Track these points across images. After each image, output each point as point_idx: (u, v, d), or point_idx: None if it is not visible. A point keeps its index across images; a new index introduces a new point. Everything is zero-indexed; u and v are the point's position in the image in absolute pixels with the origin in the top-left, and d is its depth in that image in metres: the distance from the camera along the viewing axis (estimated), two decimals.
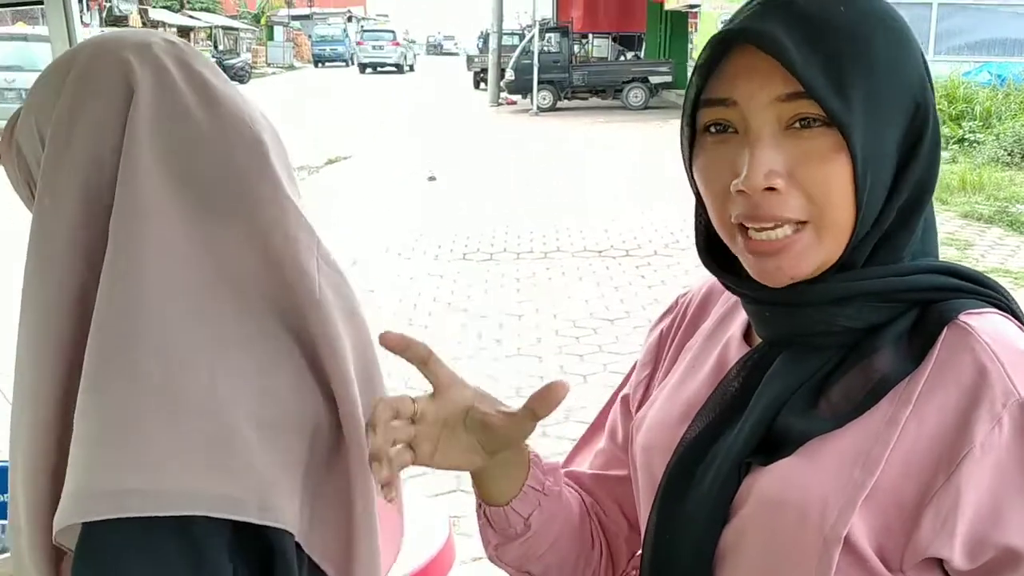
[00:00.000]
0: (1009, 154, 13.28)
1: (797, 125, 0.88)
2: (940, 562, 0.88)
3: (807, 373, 0.93)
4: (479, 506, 1.10)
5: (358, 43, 49.07)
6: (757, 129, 0.89)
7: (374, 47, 47.49)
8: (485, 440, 0.99)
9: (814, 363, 0.94)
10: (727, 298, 1.12)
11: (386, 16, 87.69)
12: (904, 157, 0.91)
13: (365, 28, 50.29)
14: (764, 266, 0.91)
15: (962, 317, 0.90)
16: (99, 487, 0.89)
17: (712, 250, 1.01)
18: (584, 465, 1.24)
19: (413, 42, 61.74)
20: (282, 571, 0.97)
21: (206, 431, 0.92)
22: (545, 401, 0.92)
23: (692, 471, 0.98)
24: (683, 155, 0.98)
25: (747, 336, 1.05)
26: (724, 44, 0.90)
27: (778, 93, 0.87)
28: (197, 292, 0.96)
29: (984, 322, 0.90)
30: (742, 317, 1.06)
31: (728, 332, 1.08)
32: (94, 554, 0.91)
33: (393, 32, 49.63)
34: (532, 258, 8.92)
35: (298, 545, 0.98)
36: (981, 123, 14.78)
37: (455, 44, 74.61)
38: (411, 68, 49.08)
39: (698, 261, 1.07)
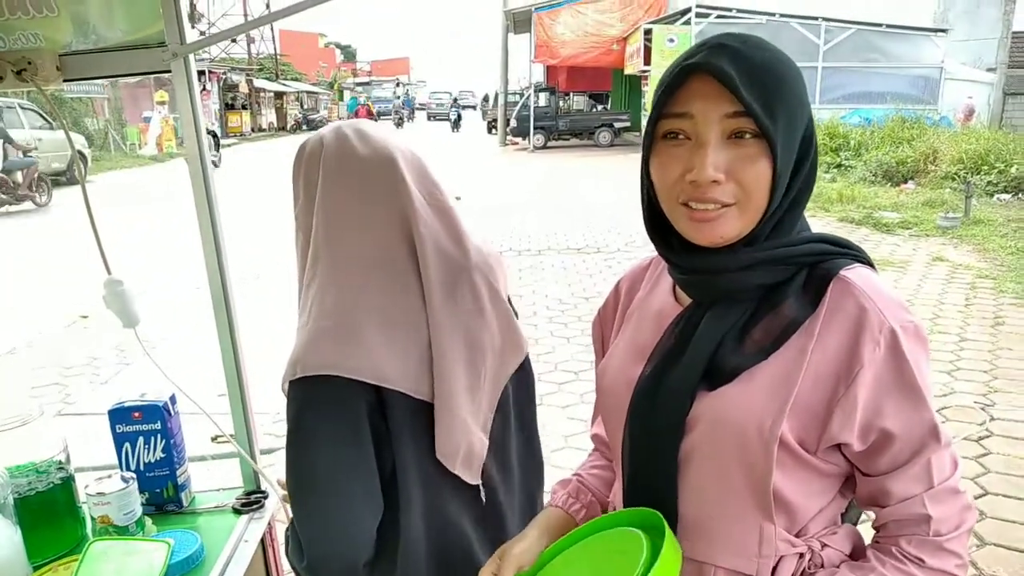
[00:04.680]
0: (874, 175, 13.22)
1: (735, 136, 0.89)
2: (839, 446, 0.93)
3: (731, 320, 0.95)
4: None
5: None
6: (707, 137, 0.89)
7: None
8: None
9: (735, 313, 0.95)
10: (651, 274, 1.15)
11: (424, 82, 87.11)
12: (798, 162, 0.92)
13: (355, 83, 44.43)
14: (702, 229, 0.92)
15: (842, 272, 0.93)
16: (291, 363, 1.15)
17: (655, 231, 1.01)
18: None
19: (413, 99, 56.12)
20: (393, 414, 1.17)
21: (348, 330, 1.14)
22: None
23: (650, 399, 0.99)
24: (643, 155, 0.98)
25: (676, 297, 1.06)
26: (685, 72, 0.90)
27: (725, 111, 0.88)
28: (354, 240, 1.19)
29: (857, 275, 0.93)
30: (667, 285, 1.08)
31: (659, 296, 1.10)
32: (288, 400, 1.16)
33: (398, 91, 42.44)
34: (529, 254, 8.88)
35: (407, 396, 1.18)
36: (853, 153, 14.68)
37: (471, 96, 71.33)
38: (411, 119, 43.50)
39: (647, 257, 1.12)
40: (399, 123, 38.54)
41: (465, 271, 1.24)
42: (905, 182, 12.81)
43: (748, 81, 0.86)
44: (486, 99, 46.70)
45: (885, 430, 0.90)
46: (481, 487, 1.29)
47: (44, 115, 16.28)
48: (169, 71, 1.53)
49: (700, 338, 0.95)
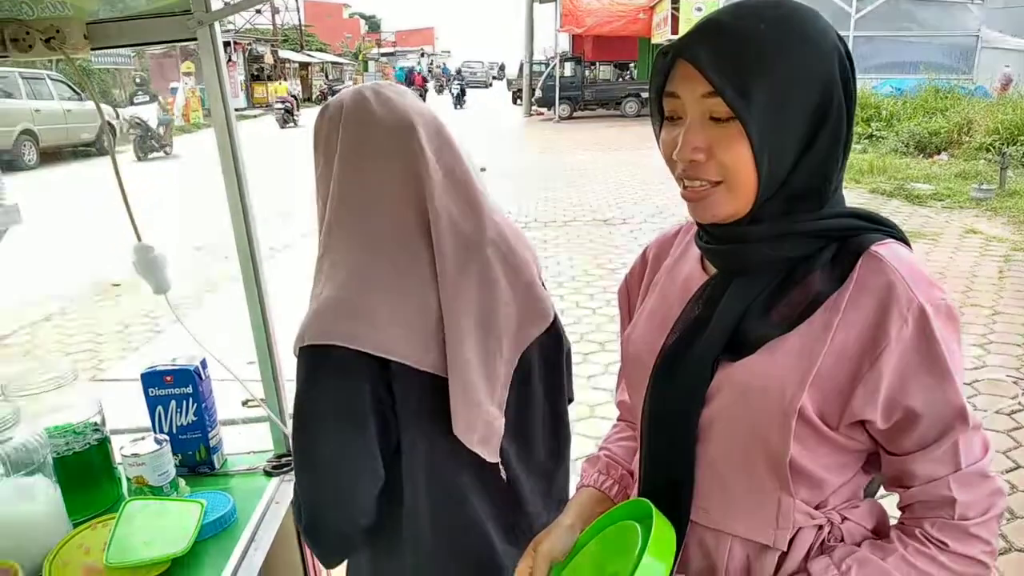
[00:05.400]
0: (905, 146, 12.96)
1: (716, 116, 0.88)
2: (863, 423, 0.91)
3: (757, 291, 0.94)
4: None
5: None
6: (689, 117, 0.90)
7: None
8: None
9: (761, 284, 0.94)
10: (679, 243, 1.13)
11: (449, 52, 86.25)
12: (807, 141, 0.89)
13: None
14: (694, 206, 0.94)
15: (873, 247, 0.91)
16: (299, 332, 1.15)
17: None
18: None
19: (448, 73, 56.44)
20: (399, 388, 1.16)
21: (356, 303, 1.13)
22: None
23: (673, 368, 0.98)
24: (655, 132, 0.98)
25: (703, 267, 1.05)
26: (672, 54, 0.91)
27: (701, 92, 0.87)
28: (369, 211, 1.16)
29: (888, 250, 0.91)
30: (695, 254, 1.07)
31: (687, 265, 1.08)
32: (296, 368, 1.15)
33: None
34: (556, 225, 8.85)
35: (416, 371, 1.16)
36: (885, 123, 14.39)
37: (482, 65, 62.18)
38: (448, 86, 46.73)
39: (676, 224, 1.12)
40: (440, 89, 38.98)
41: (480, 247, 1.21)
42: (938, 153, 12.56)
43: (724, 60, 0.84)
44: (502, 68, 45.41)
45: (910, 408, 0.88)
46: (500, 465, 1.27)
47: (72, 86, 16.51)
48: (195, 39, 1.53)
49: (725, 308, 0.94)
